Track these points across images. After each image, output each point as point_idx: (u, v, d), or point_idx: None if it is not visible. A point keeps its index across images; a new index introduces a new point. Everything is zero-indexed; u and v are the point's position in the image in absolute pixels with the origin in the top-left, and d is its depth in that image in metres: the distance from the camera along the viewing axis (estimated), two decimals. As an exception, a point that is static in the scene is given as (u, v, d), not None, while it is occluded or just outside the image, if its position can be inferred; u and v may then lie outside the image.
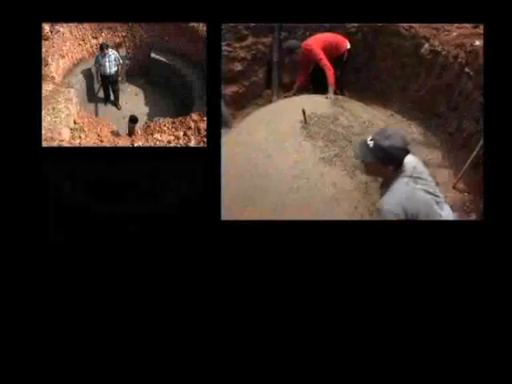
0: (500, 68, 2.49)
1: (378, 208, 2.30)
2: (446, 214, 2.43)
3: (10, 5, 2.40)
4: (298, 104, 3.87)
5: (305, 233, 2.52)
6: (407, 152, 2.23)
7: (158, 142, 4.52)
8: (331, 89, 4.21)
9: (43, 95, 4.08)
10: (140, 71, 6.23)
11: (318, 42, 4.45)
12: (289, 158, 3.36)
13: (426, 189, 2.29)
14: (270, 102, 5.05)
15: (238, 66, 4.97)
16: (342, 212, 3.07)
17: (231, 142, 3.97)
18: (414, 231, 2.52)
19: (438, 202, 2.35)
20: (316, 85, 4.51)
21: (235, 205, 3.32)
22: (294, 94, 4.59)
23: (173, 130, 4.83)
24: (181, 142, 4.54)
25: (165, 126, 4.93)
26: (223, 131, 4.74)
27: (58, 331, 2.39)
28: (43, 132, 3.61)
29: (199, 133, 4.64)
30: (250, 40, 4.95)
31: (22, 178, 2.40)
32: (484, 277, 2.39)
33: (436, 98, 4.36)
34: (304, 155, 3.35)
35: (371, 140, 2.21)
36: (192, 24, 5.50)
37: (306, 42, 4.51)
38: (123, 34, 5.85)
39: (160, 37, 5.94)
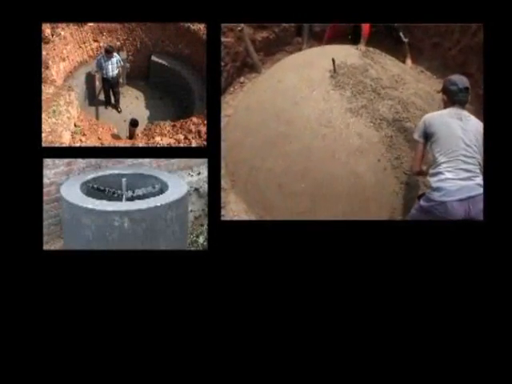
0: (500, 67, 2.49)
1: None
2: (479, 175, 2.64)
3: (10, 5, 2.41)
4: (328, 53, 3.87)
5: (306, 232, 2.51)
6: (460, 91, 2.79)
7: (158, 146, 4.52)
8: (363, 40, 4.22)
9: (44, 98, 4.08)
10: (140, 74, 6.24)
11: None
12: (316, 106, 3.38)
13: (463, 127, 2.69)
14: (300, 49, 5.02)
15: None
16: (365, 163, 3.11)
17: (259, 87, 3.98)
18: (416, 231, 2.52)
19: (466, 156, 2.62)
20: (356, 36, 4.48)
21: (261, 151, 3.37)
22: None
23: (173, 133, 4.83)
24: (181, 145, 4.53)
25: (165, 129, 4.93)
26: (252, 76, 4.74)
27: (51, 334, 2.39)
28: (44, 135, 3.61)
29: (200, 136, 4.63)
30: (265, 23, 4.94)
31: (22, 180, 2.40)
32: (485, 277, 2.38)
33: (468, 57, 4.28)
34: (331, 104, 3.36)
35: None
36: (192, 27, 5.51)
37: None
38: (124, 37, 5.86)
39: (160, 40, 5.95)
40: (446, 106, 2.85)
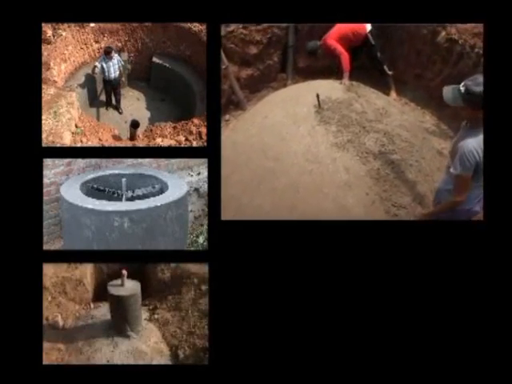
0: (500, 67, 2.48)
1: (461, 145, 2.46)
2: None
3: (10, 5, 2.41)
4: (312, 88, 3.90)
5: (305, 232, 2.51)
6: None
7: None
8: (346, 75, 4.28)
9: (45, 99, 4.09)
10: (142, 75, 6.25)
11: (333, 35, 4.58)
12: (302, 141, 3.38)
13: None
14: (285, 85, 5.09)
15: (254, 49, 4.96)
16: (354, 197, 3.09)
17: (246, 123, 3.99)
18: (415, 231, 2.51)
19: None
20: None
21: (248, 187, 3.35)
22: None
23: (174, 134, 4.83)
24: (183, 146, 4.54)
25: (166, 130, 4.93)
26: (237, 113, 4.78)
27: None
28: (45, 135, 3.61)
29: (201, 137, 4.64)
30: (265, 23, 4.95)
31: (22, 180, 2.39)
32: (484, 277, 2.37)
33: None
34: (317, 139, 3.37)
35: (463, 86, 2.41)
36: (193, 28, 5.53)
37: (323, 38, 4.66)
38: (125, 38, 5.88)
39: (162, 41, 5.96)
40: (473, 119, 2.48)
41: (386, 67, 4.72)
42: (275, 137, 3.51)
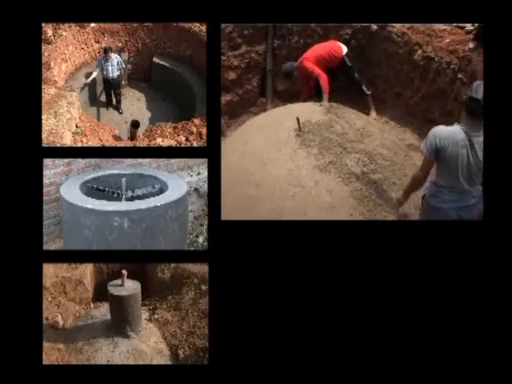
0: (500, 67, 2.48)
1: (431, 129, 2.64)
2: (477, 191, 2.63)
3: (10, 5, 2.41)
4: (292, 112, 3.89)
5: (305, 232, 2.51)
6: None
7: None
8: (325, 96, 4.26)
9: (46, 99, 4.10)
10: (142, 75, 6.26)
11: (309, 57, 4.56)
12: (283, 166, 3.37)
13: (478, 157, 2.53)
14: (265, 110, 5.06)
15: (232, 75, 4.99)
16: (338, 218, 3.05)
17: (226, 150, 3.99)
18: (414, 231, 2.52)
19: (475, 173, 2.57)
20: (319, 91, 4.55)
21: (233, 214, 3.28)
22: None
23: (174, 134, 4.84)
24: (183, 146, 4.55)
25: (167, 130, 4.94)
26: None
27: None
28: (45, 135, 3.62)
29: (201, 138, 4.64)
30: (243, 48, 4.97)
31: (22, 180, 2.39)
32: (484, 277, 2.37)
33: (430, 104, 4.45)
34: (298, 163, 3.36)
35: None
36: (194, 28, 5.54)
37: (299, 60, 4.64)
38: (125, 38, 5.90)
39: (162, 41, 5.97)
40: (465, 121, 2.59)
41: (364, 87, 4.76)
42: (256, 162, 3.49)
